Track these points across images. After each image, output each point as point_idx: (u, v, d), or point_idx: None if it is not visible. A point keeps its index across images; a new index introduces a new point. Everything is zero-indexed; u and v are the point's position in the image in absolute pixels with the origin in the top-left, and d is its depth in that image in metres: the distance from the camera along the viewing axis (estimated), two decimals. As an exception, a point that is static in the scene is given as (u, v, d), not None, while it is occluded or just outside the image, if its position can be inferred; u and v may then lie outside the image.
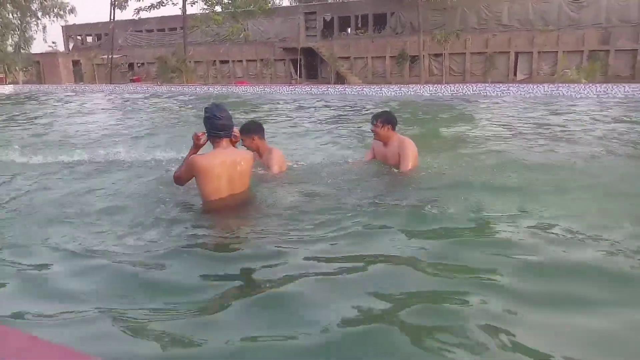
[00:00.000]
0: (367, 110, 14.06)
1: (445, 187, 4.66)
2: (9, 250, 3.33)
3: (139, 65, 42.97)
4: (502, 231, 3.52)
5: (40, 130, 11.15)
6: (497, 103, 15.28)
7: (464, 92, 18.96)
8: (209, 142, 3.94)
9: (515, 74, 29.77)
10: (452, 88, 19.85)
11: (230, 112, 3.89)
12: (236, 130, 4.11)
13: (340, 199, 4.27)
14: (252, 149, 4.76)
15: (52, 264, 3.10)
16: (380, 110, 5.61)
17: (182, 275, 2.91)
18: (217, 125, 3.78)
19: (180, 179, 3.95)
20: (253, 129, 4.87)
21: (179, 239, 3.46)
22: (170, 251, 3.23)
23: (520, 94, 17.69)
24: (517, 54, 29.77)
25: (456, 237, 3.44)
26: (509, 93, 17.99)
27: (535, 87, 18.33)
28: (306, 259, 3.03)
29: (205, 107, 3.87)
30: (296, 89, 23.46)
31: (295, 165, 5.39)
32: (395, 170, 5.02)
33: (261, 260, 3.03)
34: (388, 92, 20.32)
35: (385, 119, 5.13)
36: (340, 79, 32.78)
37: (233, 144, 4.02)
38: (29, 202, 4.57)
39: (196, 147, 3.99)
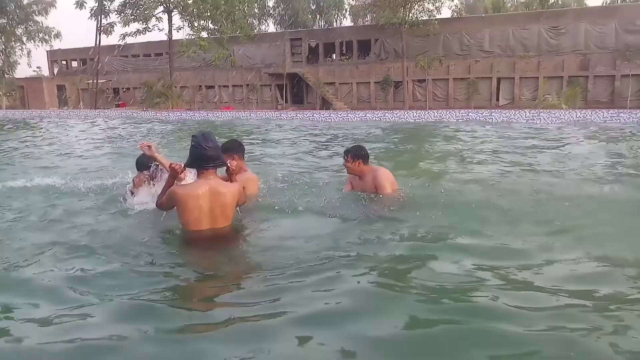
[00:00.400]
0: (352, 135, 14.16)
1: (431, 214, 4.66)
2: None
3: (124, 90, 42.86)
4: (490, 258, 3.55)
5: (20, 155, 11.05)
6: (481, 129, 15.46)
7: (447, 118, 19.16)
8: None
9: (497, 99, 30.24)
10: (436, 114, 20.05)
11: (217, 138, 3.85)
12: (234, 163, 4.05)
13: (323, 234, 4.15)
14: None
15: (20, 294, 3.09)
16: (352, 144, 5.55)
17: (151, 309, 2.87)
18: (203, 156, 3.69)
19: (162, 206, 3.94)
20: (234, 148, 4.86)
21: (153, 268, 3.44)
22: (141, 281, 3.22)
23: (503, 120, 17.91)
24: (499, 79, 30.28)
25: (444, 265, 3.45)
26: (492, 119, 18.22)
27: (517, 112, 18.59)
28: (284, 301, 2.91)
29: (192, 136, 3.78)
30: (282, 114, 23.55)
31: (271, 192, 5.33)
32: (374, 196, 4.99)
33: (236, 305, 2.95)
34: (372, 117, 20.47)
35: (355, 154, 5.12)
36: (325, 104, 33.00)
37: (232, 172, 3.97)
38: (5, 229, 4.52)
39: (172, 177, 3.89)
